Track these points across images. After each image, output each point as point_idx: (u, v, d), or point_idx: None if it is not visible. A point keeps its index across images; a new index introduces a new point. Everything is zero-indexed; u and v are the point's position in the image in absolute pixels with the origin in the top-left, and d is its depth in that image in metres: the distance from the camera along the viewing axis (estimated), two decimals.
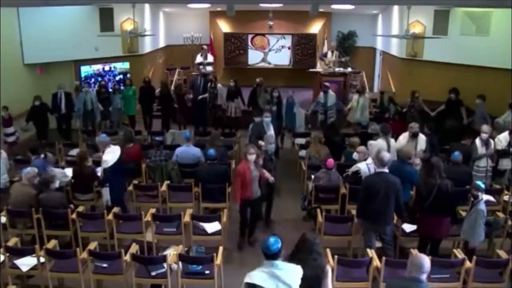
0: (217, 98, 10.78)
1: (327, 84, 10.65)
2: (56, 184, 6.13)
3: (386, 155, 5.35)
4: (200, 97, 10.67)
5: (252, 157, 5.77)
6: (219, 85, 11.01)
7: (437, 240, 5.49)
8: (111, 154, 6.34)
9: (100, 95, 10.61)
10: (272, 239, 3.39)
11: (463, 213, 6.05)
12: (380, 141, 6.92)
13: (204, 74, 11.16)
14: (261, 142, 6.97)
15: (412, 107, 9.67)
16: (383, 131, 7.08)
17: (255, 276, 3.37)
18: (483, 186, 5.32)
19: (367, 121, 10.20)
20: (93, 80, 11.56)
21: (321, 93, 10.36)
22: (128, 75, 11.86)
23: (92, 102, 10.17)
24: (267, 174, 6.16)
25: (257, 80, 10.68)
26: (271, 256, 3.37)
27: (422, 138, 7.21)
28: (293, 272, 3.38)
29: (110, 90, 11.07)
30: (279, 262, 3.38)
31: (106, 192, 6.33)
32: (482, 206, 5.22)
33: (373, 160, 6.39)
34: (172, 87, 12.28)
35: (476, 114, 9.11)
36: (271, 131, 7.76)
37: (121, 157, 6.45)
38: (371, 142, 7.17)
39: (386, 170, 5.30)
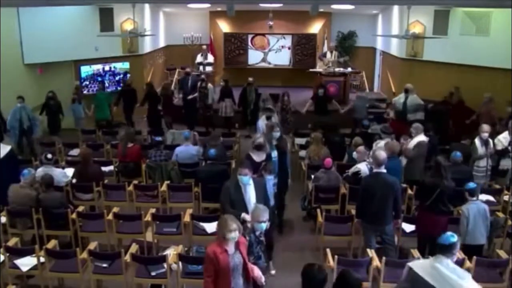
0: (208, 98, 10.83)
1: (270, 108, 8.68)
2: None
3: (382, 154, 5.32)
4: (190, 97, 10.74)
5: (232, 236, 3.71)
6: (209, 85, 11.08)
7: (436, 239, 5.48)
8: None
9: (49, 107, 9.66)
10: (449, 233, 3.44)
11: None
12: (384, 142, 6.92)
13: (188, 73, 11.17)
14: (246, 216, 4.65)
15: (283, 110, 10.11)
16: (385, 132, 7.08)
17: (418, 264, 3.39)
18: (471, 186, 5.29)
19: None
20: (84, 82, 11.42)
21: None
22: (99, 79, 11.56)
23: (28, 118, 8.99)
24: (256, 272, 3.98)
25: (249, 79, 10.83)
26: (441, 248, 3.37)
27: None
28: (463, 279, 3.23)
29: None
30: (448, 261, 3.32)
31: None
32: (465, 207, 5.24)
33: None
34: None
35: (355, 105, 10.25)
36: (249, 197, 4.93)
37: (10, 154, 6.45)
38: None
39: (382, 170, 5.28)
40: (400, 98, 9.59)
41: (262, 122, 8.05)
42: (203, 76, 11.62)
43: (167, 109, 10.73)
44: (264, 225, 4.20)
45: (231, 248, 3.77)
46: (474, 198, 5.26)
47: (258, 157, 5.89)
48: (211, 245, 3.84)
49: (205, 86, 10.83)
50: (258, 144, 5.94)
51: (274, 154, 6.14)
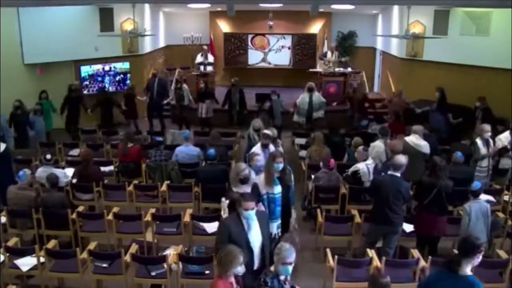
0: (183, 99, 10.91)
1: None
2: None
3: (400, 159, 5.24)
4: (166, 100, 10.90)
5: (239, 270, 3.44)
6: (184, 85, 11.15)
7: (434, 239, 5.50)
8: None
9: (16, 118, 8.75)
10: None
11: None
12: (378, 143, 6.91)
13: (155, 75, 11.17)
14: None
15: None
16: (381, 133, 7.08)
17: None
18: (475, 186, 5.31)
19: None
20: (84, 82, 11.37)
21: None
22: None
23: (1, 128, 8.30)
24: None
25: (232, 80, 10.93)
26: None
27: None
28: None
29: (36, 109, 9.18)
30: None
31: None
32: (467, 205, 5.25)
33: (373, 161, 6.42)
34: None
35: (274, 109, 9.94)
36: (254, 237, 4.11)
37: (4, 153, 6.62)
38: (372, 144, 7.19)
39: (397, 174, 5.21)
40: (304, 98, 9.72)
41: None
42: (177, 77, 11.83)
43: (129, 109, 10.80)
44: (291, 268, 3.51)
45: (235, 284, 3.49)
46: (478, 198, 5.27)
47: (242, 191, 4.78)
48: (215, 283, 3.43)
49: (180, 87, 10.95)
50: (244, 177, 5.04)
51: (278, 189, 5.03)
